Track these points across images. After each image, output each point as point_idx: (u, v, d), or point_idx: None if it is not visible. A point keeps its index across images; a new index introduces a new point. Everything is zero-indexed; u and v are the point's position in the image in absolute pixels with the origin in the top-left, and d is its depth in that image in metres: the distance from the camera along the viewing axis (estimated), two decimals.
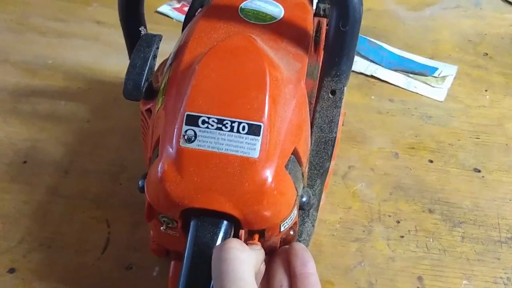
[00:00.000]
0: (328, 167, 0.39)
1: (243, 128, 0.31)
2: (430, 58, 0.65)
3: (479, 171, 0.52)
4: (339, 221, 0.47)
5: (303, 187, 0.36)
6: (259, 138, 0.31)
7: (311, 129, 0.38)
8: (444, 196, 0.50)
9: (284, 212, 0.33)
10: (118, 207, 0.46)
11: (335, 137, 0.39)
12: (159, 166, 0.32)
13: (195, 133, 0.32)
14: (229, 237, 0.33)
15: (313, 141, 0.38)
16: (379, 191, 0.50)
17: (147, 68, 0.37)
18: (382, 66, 0.63)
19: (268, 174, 0.31)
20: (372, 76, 0.62)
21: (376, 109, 0.58)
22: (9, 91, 0.57)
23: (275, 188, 0.32)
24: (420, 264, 0.44)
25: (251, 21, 0.39)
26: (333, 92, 0.37)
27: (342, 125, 0.51)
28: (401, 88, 0.61)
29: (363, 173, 0.51)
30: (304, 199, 0.36)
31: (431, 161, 0.53)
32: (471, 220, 0.48)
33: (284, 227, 0.34)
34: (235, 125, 0.32)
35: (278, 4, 0.42)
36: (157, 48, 0.38)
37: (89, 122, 0.55)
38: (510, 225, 0.48)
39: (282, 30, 0.39)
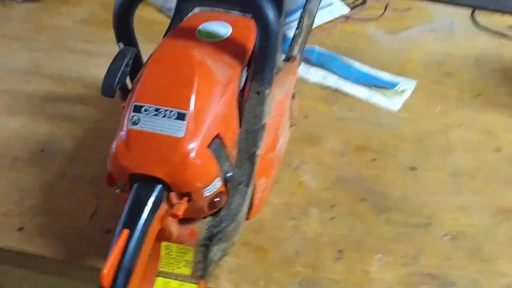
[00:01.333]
0: (255, 153, 0.49)
1: (173, 115, 0.43)
2: (395, 75, 0.73)
3: (415, 168, 0.60)
4: (282, 203, 0.57)
5: (230, 165, 0.47)
6: (184, 122, 0.43)
7: (240, 122, 0.48)
8: (378, 188, 0.59)
9: (205, 180, 0.44)
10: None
11: (260, 128, 0.49)
12: (114, 143, 0.44)
13: (139, 118, 0.44)
14: (160, 198, 0.43)
15: (242, 131, 0.48)
16: (322, 182, 0.59)
17: (119, 73, 0.48)
18: (350, 81, 0.72)
19: (190, 149, 0.43)
20: (337, 90, 0.71)
21: (335, 116, 0.68)
22: (40, 97, 0.71)
23: (196, 161, 0.43)
24: (344, 240, 0.54)
25: (203, 39, 0.51)
26: (258, 93, 0.48)
27: (293, 125, 0.61)
28: (363, 100, 0.70)
29: (311, 167, 0.61)
30: (229, 174, 0.46)
31: (374, 160, 0.62)
32: (396, 207, 0.56)
33: (208, 193, 0.45)
34: (167, 112, 0.43)
35: (228, 26, 0.53)
36: (130, 58, 0.50)
37: (98, 121, 0.67)
38: (429, 213, 0.55)
39: (225, 46, 0.50)
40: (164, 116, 0.43)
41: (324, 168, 0.61)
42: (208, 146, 0.44)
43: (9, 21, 0.88)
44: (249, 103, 0.49)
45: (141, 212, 0.43)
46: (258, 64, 0.48)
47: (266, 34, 0.47)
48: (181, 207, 0.44)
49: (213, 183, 0.45)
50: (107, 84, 0.48)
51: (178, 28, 0.54)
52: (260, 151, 0.51)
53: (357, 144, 0.64)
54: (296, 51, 0.61)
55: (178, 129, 0.43)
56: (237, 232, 0.52)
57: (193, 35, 0.52)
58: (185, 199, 0.45)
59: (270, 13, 0.46)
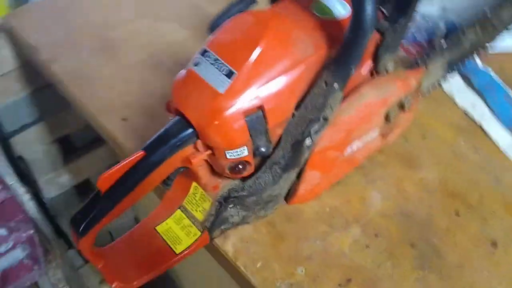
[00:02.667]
0: (303, 142, 0.47)
1: (224, 70, 0.44)
2: None
3: (496, 246, 0.51)
4: (332, 206, 0.55)
5: (266, 141, 0.46)
6: (230, 81, 0.44)
7: (298, 106, 0.46)
8: (438, 243, 0.52)
9: (228, 142, 0.45)
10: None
11: (315, 119, 0.46)
12: (177, 74, 0.47)
13: (200, 62, 0.46)
14: (189, 141, 0.46)
15: (296, 116, 0.47)
16: (386, 207, 0.55)
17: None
18: (499, 122, 0.62)
19: (223, 108, 0.44)
20: (478, 125, 0.62)
21: (452, 148, 0.60)
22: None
23: (224, 120, 0.44)
24: (361, 272, 0.50)
25: (314, 12, 0.49)
26: (326, 83, 0.45)
27: (387, 136, 0.56)
28: (499, 147, 0.60)
29: (386, 188, 0.57)
30: (261, 149, 0.46)
31: (458, 214, 0.54)
32: (443, 274, 0.49)
33: (231, 156, 0.46)
34: (221, 65, 0.45)
35: (349, 8, 0.50)
36: (247, 5, 0.51)
37: None
38: None
39: (328, 26, 0.47)
40: (217, 68, 0.45)
41: (399, 195, 0.56)
42: (245, 113, 0.44)
43: None
44: (313, 90, 0.46)
45: (163, 143, 0.46)
46: (337, 54, 0.45)
47: (354, 25, 0.43)
48: (198, 156, 0.46)
49: (237, 149, 0.46)
50: (214, 23, 0.50)
51: None
52: (312, 144, 0.48)
53: (453, 189, 0.56)
54: (424, 62, 0.55)
55: (222, 84, 0.44)
56: (261, 208, 0.52)
57: (307, 5, 0.50)
58: (208, 152, 0.47)
59: (368, 6, 0.42)
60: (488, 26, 0.60)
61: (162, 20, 0.81)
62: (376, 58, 0.51)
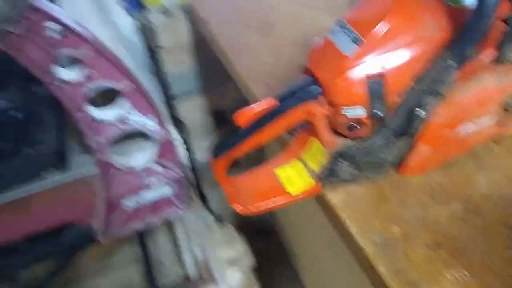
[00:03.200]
0: (417, 113, 0.53)
1: (353, 37, 0.52)
2: None
3: None
4: (436, 182, 0.59)
5: (382, 106, 0.53)
6: (356, 46, 0.51)
7: (417, 79, 0.53)
8: None
9: (346, 100, 0.53)
10: None
11: (429, 93, 0.52)
12: (314, 42, 0.56)
13: (336, 31, 0.54)
14: (314, 96, 0.54)
15: (414, 88, 0.53)
16: (490, 191, 0.57)
17: None
18: None
19: (347, 68, 0.51)
20: None
21: None
22: None
23: (346, 79, 0.52)
24: (443, 235, 0.53)
25: (445, 1, 0.54)
26: (444, 61, 0.51)
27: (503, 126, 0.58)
28: None
29: (494, 178, 0.59)
30: (376, 112, 0.53)
31: None
32: None
33: (347, 113, 0.54)
34: (351, 33, 0.52)
35: None
36: None
37: None
38: None
39: (457, 14, 0.53)
40: (348, 36, 0.53)
41: (506, 184, 0.58)
42: (367, 77, 0.51)
43: None
44: (432, 66, 0.52)
45: (294, 95, 0.55)
46: (458, 34, 0.50)
47: (476, 10, 0.48)
48: (320, 110, 0.55)
49: (354, 108, 0.53)
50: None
51: None
52: (426, 116, 0.54)
53: None
54: None
55: (349, 49, 0.52)
56: (371, 170, 0.59)
57: None
58: (328, 107, 0.55)
59: None
60: None
61: (314, 9, 0.91)
62: (499, 48, 0.54)
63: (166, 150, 0.84)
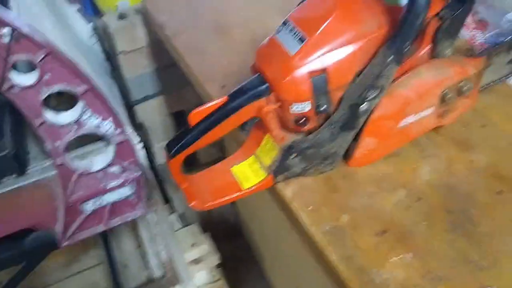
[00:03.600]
0: (360, 106, 0.56)
1: (297, 36, 0.54)
2: None
3: None
4: (384, 172, 0.63)
5: (327, 101, 0.55)
6: (301, 45, 0.53)
7: (359, 74, 0.55)
8: (476, 216, 0.57)
9: (293, 96, 0.56)
10: None
11: (371, 86, 0.55)
12: (262, 42, 0.58)
13: (281, 30, 0.57)
14: (263, 94, 0.56)
15: (356, 82, 0.55)
16: (433, 178, 0.61)
17: None
18: None
19: (292, 67, 0.54)
20: None
21: (508, 140, 0.63)
22: None
23: (292, 77, 0.54)
24: (396, 227, 0.56)
25: (385, 0, 0.57)
26: (384, 56, 0.54)
27: (442, 117, 0.62)
28: None
29: (437, 164, 0.63)
30: (321, 107, 0.56)
31: (500, 192, 0.58)
32: (473, 241, 0.55)
33: (295, 109, 0.56)
34: (297, 32, 0.55)
35: None
36: None
37: None
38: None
39: (393, 12, 0.56)
40: (293, 35, 0.55)
41: (447, 171, 0.62)
42: (311, 74, 0.54)
43: None
44: (373, 61, 0.55)
45: (243, 93, 0.57)
46: (395, 31, 0.53)
47: (409, 7, 0.51)
48: (269, 107, 0.57)
49: (301, 104, 0.56)
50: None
51: None
52: (369, 109, 0.57)
53: (501, 172, 0.61)
54: (487, 54, 0.60)
55: (294, 48, 0.54)
56: (320, 162, 0.62)
57: None
58: (278, 103, 0.57)
59: None
60: None
61: (268, 11, 0.93)
62: (435, 43, 0.58)
63: (124, 152, 0.85)
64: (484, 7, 0.86)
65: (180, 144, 0.58)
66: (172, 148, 0.58)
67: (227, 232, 1.46)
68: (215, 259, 1.27)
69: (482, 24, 0.82)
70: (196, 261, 1.27)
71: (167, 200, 1.42)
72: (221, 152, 1.42)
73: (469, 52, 0.61)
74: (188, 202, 0.62)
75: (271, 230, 1.03)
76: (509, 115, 0.67)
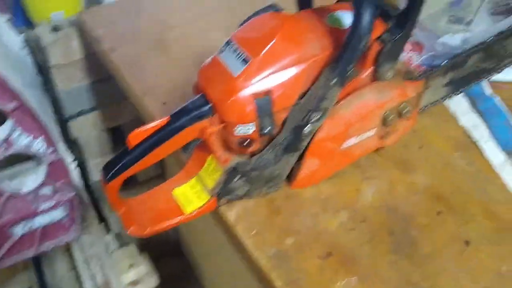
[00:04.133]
0: (303, 128, 0.55)
1: (241, 57, 0.53)
2: None
3: (469, 244, 0.56)
4: (327, 194, 0.62)
5: (270, 123, 0.54)
6: (245, 66, 0.52)
7: (302, 96, 0.55)
8: (417, 235, 0.57)
9: (237, 118, 0.54)
10: None
11: (315, 109, 0.54)
12: (204, 62, 0.57)
13: (224, 50, 0.55)
14: (206, 115, 0.55)
15: (300, 104, 0.55)
16: (375, 200, 0.62)
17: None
18: (496, 143, 0.67)
19: (236, 89, 0.53)
20: (475, 143, 0.67)
21: (447, 160, 0.66)
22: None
23: (236, 99, 0.53)
24: (341, 250, 0.56)
25: (327, 22, 0.57)
26: (327, 79, 0.54)
27: (384, 138, 0.63)
28: (493, 165, 0.65)
29: (378, 185, 0.63)
30: (265, 130, 0.55)
31: (439, 213, 0.59)
32: (414, 262, 0.55)
33: (239, 131, 0.54)
34: (240, 53, 0.53)
35: None
36: None
37: None
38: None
39: (336, 33, 0.56)
40: (236, 55, 0.54)
41: (388, 192, 0.62)
42: (255, 95, 0.53)
43: None
44: (316, 83, 0.54)
45: (186, 113, 0.55)
46: (337, 54, 0.53)
47: (352, 31, 0.51)
48: (212, 128, 0.55)
49: (245, 126, 0.54)
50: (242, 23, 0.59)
51: (321, 7, 0.61)
52: (312, 131, 0.56)
53: (439, 193, 0.62)
54: (425, 77, 0.62)
55: (238, 69, 0.53)
56: (263, 184, 0.60)
57: (324, 16, 0.58)
58: (221, 125, 0.55)
59: (366, 16, 0.50)
60: (492, 54, 0.67)
61: (209, 27, 0.92)
62: (377, 66, 0.58)
63: (56, 171, 0.80)
64: (419, 29, 0.89)
65: (117, 167, 0.55)
66: (109, 171, 0.55)
67: (167, 251, 1.42)
68: (153, 280, 1.24)
69: (417, 46, 0.85)
70: (134, 283, 1.23)
71: (102, 219, 1.36)
72: (160, 168, 1.39)
73: (408, 75, 0.62)
74: (126, 228, 0.59)
75: (213, 250, 1.01)
76: (445, 136, 0.69)
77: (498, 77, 0.73)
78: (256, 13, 0.60)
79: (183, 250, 1.42)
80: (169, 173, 1.18)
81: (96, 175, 1.28)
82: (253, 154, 0.58)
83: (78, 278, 1.20)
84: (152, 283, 1.23)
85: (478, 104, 0.73)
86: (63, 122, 1.17)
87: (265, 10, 0.60)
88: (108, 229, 1.38)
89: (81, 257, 1.19)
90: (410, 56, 0.83)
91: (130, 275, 1.23)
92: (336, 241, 0.57)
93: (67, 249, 1.22)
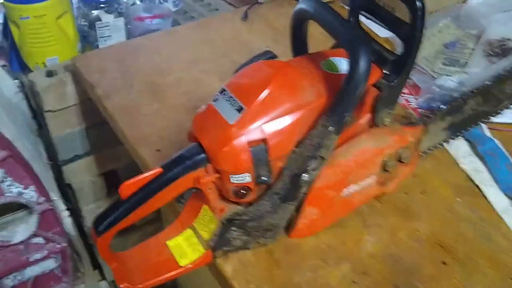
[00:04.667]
0: (301, 176, 0.53)
1: (236, 105, 0.52)
2: None
3: None
4: (328, 244, 0.60)
5: (267, 171, 0.53)
6: (239, 115, 0.51)
7: (299, 144, 0.53)
8: None
9: (233, 167, 0.52)
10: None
11: (312, 157, 0.52)
12: (198, 109, 0.55)
13: (218, 98, 0.54)
14: (201, 164, 0.53)
15: (296, 152, 0.53)
16: (378, 251, 0.59)
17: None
18: (498, 186, 0.65)
19: (231, 137, 0.51)
20: (477, 186, 0.66)
21: (450, 206, 0.64)
22: None
23: (231, 147, 0.51)
24: None
25: (323, 68, 0.56)
26: (323, 126, 0.52)
27: (383, 184, 0.61)
28: (496, 209, 0.63)
29: (381, 234, 0.61)
30: (261, 178, 0.53)
31: (444, 263, 0.57)
32: None
33: (235, 180, 0.53)
34: (234, 102, 0.52)
35: None
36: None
37: None
38: None
39: (331, 79, 0.54)
40: (231, 104, 0.52)
41: (391, 241, 0.60)
42: (250, 144, 0.51)
43: None
44: (312, 131, 0.53)
45: (179, 163, 0.53)
46: (334, 101, 0.52)
47: (349, 78, 0.50)
48: (207, 178, 0.53)
49: (241, 175, 0.52)
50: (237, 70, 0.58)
51: (317, 53, 0.60)
52: (310, 179, 0.54)
53: (443, 241, 0.60)
54: (423, 121, 0.60)
55: (232, 117, 0.52)
56: (261, 235, 0.58)
57: (319, 61, 0.57)
58: (216, 175, 0.53)
59: (362, 64, 0.49)
60: (490, 97, 0.66)
61: (204, 73, 0.91)
62: (374, 112, 0.57)
63: (47, 220, 0.78)
64: (415, 72, 0.88)
65: (109, 220, 0.53)
66: (100, 224, 0.53)
67: None
68: None
69: (414, 89, 0.85)
70: None
71: (97, 265, 1.32)
72: (157, 212, 1.36)
73: (406, 120, 0.61)
74: (118, 283, 0.56)
75: None
76: (447, 181, 0.67)
77: (496, 119, 0.72)
78: (250, 60, 0.59)
79: None
80: (166, 218, 1.15)
81: (90, 221, 1.25)
82: (249, 204, 0.56)
83: None
84: None
85: (478, 147, 0.71)
86: (57, 167, 1.15)
87: (259, 57, 0.59)
88: (102, 276, 1.34)
89: None
90: (406, 99, 0.82)
91: None
92: None
93: None
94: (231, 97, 0.53)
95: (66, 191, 1.19)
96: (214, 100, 0.54)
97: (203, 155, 0.53)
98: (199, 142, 0.54)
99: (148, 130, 0.78)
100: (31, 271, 0.80)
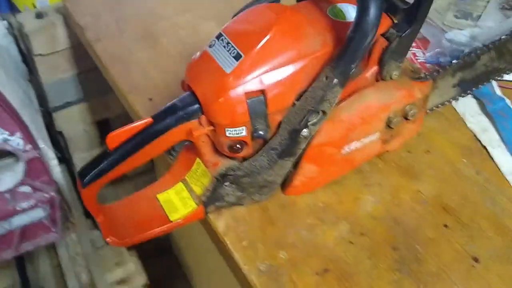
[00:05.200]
0: (300, 131, 0.50)
1: (233, 52, 0.47)
2: None
3: (477, 261, 0.51)
4: (325, 202, 0.57)
5: (264, 125, 0.49)
6: (237, 62, 0.47)
7: (299, 97, 0.49)
8: (422, 250, 0.53)
9: (228, 120, 0.49)
10: None
11: (313, 111, 0.49)
12: (193, 56, 0.51)
13: (215, 44, 0.49)
14: (194, 115, 0.49)
15: (297, 105, 0.49)
16: (378, 211, 0.57)
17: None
18: (508, 148, 0.62)
19: (227, 86, 0.47)
20: (484, 149, 0.62)
21: (455, 167, 0.61)
22: None
23: (226, 98, 0.47)
24: (340, 265, 0.51)
25: (329, 14, 0.52)
26: (326, 78, 0.48)
27: (387, 142, 0.57)
28: (503, 172, 0.60)
29: (381, 194, 0.58)
30: (258, 132, 0.49)
31: (446, 226, 0.55)
32: (420, 279, 0.50)
33: (230, 134, 0.49)
34: (232, 48, 0.48)
35: None
36: None
37: None
38: None
39: (338, 27, 0.50)
40: (228, 50, 0.48)
41: (392, 202, 0.57)
42: (247, 95, 0.47)
43: None
44: (315, 83, 0.49)
45: (171, 113, 0.50)
46: (339, 51, 0.47)
47: (357, 26, 0.46)
48: (200, 130, 0.50)
49: (237, 129, 0.49)
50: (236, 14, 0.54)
51: None
52: (309, 135, 0.51)
53: (446, 204, 0.57)
54: (432, 76, 0.56)
55: (229, 65, 0.48)
56: (256, 191, 0.55)
57: (325, 7, 0.53)
58: (210, 127, 0.50)
59: (372, 10, 0.45)
60: (505, 52, 0.61)
61: (201, 18, 0.86)
62: (381, 64, 0.53)
63: (35, 169, 0.75)
64: (424, 24, 0.83)
65: (95, 172, 0.49)
66: (86, 175, 0.50)
67: (156, 249, 1.36)
68: (141, 279, 1.18)
69: (422, 43, 0.80)
70: (121, 282, 1.17)
71: (89, 214, 1.31)
72: (150, 163, 1.33)
73: (414, 74, 0.56)
74: (104, 237, 0.53)
75: (203, 254, 0.96)
76: (453, 140, 0.64)
77: (508, 77, 0.68)
78: (251, 4, 0.55)
79: (173, 249, 1.37)
80: (159, 170, 1.12)
81: None
82: (244, 159, 0.53)
83: (62, 276, 1.15)
84: (140, 282, 1.18)
85: (488, 106, 0.67)
86: (48, 114, 1.11)
87: (261, 0, 0.55)
88: (95, 224, 1.33)
89: (66, 254, 1.14)
90: (414, 53, 0.78)
91: (117, 273, 1.17)
92: (333, 255, 0.52)
93: (52, 246, 1.17)
94: (229, 43, 0.48)
95: (58, 139, 1.16)
96: (210, 46, 0.50)
97: (196, 106, 0.50)
98: (193, 91, 0.50)
99: (140, 78, 0.74)
100: (19, 220, 0.78)
